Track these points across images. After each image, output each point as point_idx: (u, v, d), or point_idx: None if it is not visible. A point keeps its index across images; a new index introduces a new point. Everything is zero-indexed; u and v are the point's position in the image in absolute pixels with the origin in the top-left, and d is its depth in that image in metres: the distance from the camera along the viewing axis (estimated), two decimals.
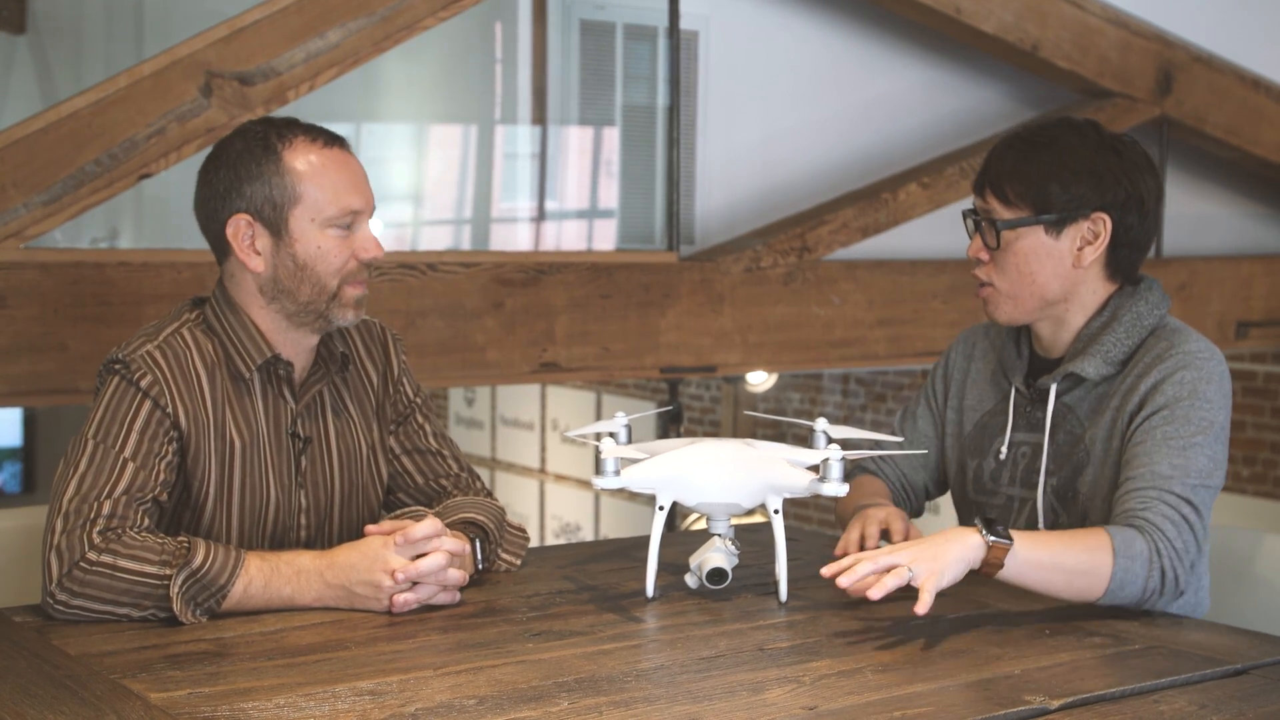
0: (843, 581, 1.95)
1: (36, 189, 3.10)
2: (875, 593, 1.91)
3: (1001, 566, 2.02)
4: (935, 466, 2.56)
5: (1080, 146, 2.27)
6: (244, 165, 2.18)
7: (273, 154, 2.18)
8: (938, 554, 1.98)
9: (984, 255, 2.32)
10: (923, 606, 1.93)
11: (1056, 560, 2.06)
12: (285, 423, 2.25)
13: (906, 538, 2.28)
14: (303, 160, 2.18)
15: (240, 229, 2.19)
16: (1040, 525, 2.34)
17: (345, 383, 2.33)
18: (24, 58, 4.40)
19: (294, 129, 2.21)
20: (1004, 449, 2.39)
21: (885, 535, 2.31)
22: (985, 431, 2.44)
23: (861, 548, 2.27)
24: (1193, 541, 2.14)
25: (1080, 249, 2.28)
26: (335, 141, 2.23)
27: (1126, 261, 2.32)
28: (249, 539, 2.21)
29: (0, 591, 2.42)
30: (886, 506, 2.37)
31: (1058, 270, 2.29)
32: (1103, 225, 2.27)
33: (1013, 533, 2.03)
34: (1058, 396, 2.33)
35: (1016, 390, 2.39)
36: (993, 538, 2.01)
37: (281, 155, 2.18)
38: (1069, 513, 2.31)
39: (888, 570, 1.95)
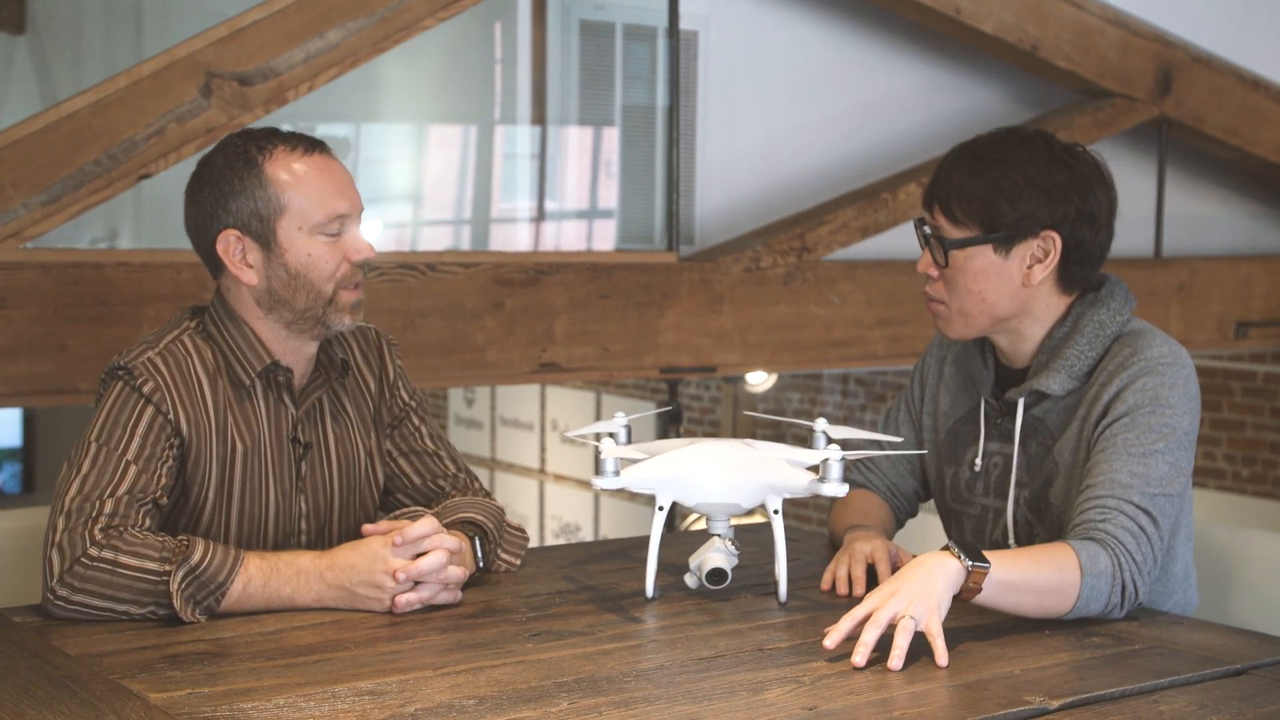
0: (858, 660, 1.86)
1: (36, 189, 3.10)
2: (895, 663, 1.85)
3: (979, 590, 1.97)
4: (922, 472, 2.54)
5: (1029, 162, 2.22)
6: (227, 181, 2.18)
7: (254, 167, 2.17)
8: (929, 590, 1.92)
9: (933, 272, 2.28)
10: (942, 656, 1.87)
11: (1029, 581, 2.01)
12: (286, 428, 2.25)
13: (895, 569, 2.23)
14: (284, 170, 2.18)
15: (230, 245, 2.19)
16: (1011, 537, 2.32)
17: (344, 388, 2.34)
18: (23, 58, 4.40)
19: (273, 139, 2.20)
20: (978, 459, 2.37)
21: (871, 571, 2.26)
22: (959, 439, 2.42)
23: (851, 588, 2.23)
24: (1150, 554, 2.10)
25: (1030, 267, 2.23)
26: (316, 147, 2.22)
27: (1079, 276, 2.27)
28: (249, 544, 2.22)
29: (0, 592, 2.42)
30: (872, 538, 2.32)
31: (1007, 288, 2.25)
32: (1052, 243, 2.22)
33: (987, 554, 1.98)
34: (1026, 409, 2.31)
35: (986, 401, 2.38)
36: (971, 562, 1.95)
37: (263, 167, 2.17)
38: (1044, 524, 2.30)
39: (891, 625, 1.89)
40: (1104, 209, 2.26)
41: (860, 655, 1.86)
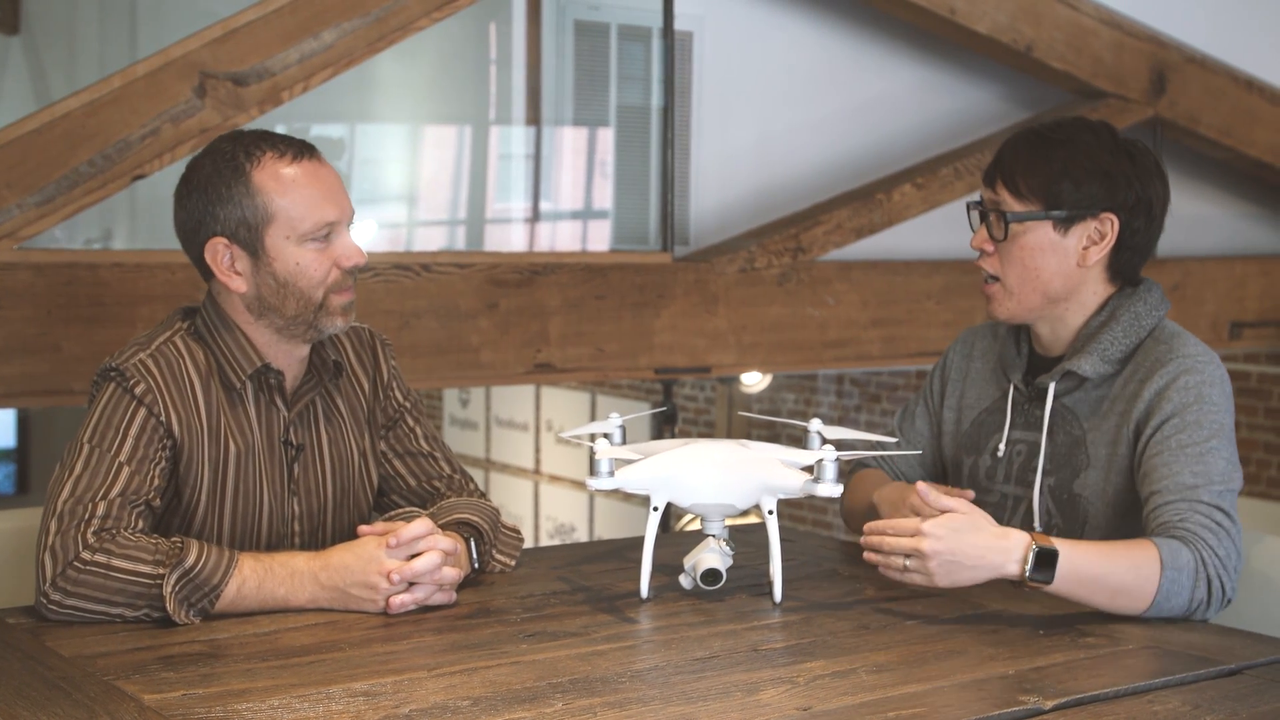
0: (874, 557, 2.07)
1: (30, 190, 3.10)
2: (878, 561, 2.06)
3: (1040, 587, 2.04)
4: (931, 465, 2.56)
5: (1095, 146, 2.29)
6: (214, 188, 2.16)
7: (241, 174, 2.15)
8: (956, 569, 2.02)
9: (988, 246, 2.33)
10: (874, 559, 2.07)
11: (1099, 580, 2.06)
12: (278, 430, 2.25)
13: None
14: (272, 178, 2.16)
15: (218, 252, 2.18)
16: (1036, 525, 2.34)
17: (338, 389, 2.33)
18: (17, 58, 4.39)
19: (262, 144, 2.18)
20: (1001, 446, 2.39)
21: None
22: (983, 429, 2.44)
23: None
24: (1233, 548, 2.14)
25: (1086, 248, 2.29)
26: (305, 152, 2.19)
27: (1128, 265, 2.33)
28: (242, 546, 2.21)
29: None
30: (902, 488, 2.37)
31: (1062, 267, 2.30)
32: (1110, 226, 2.28)
33: (1059, 545, 2.03)
34: (1057, 397, 2.33)
35: (1015, 388, 2.39)
36: (1030, 574, 2.01)
37: (250, 175, 2.15)
38: (1064, 515, 2.31)
39: (908, 554, 2.04)
40: (1160, 201, 2.33)
41: (879, 556, 2.07)
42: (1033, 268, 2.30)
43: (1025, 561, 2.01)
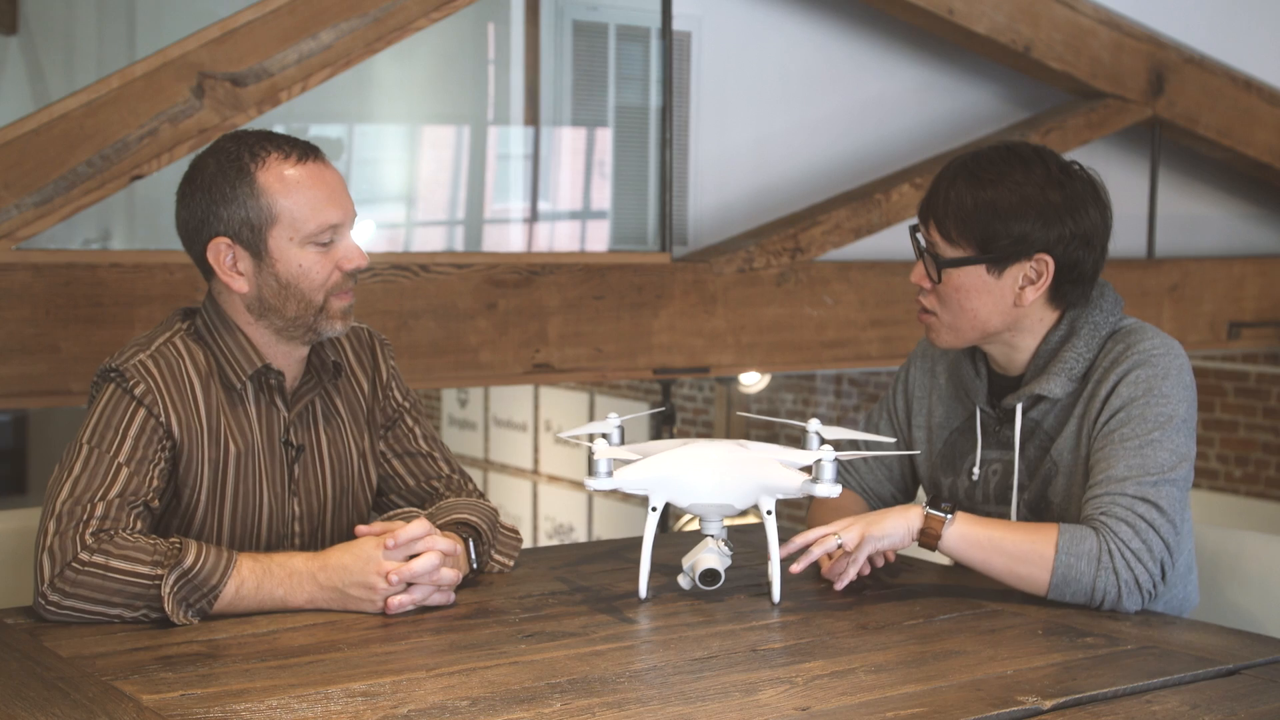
0: (794, 568, 2.14)
1: (28, 190, 3.09)
2: (796, 568, 2.13)
3: (940, 537, 2.14)
4: (900, 478, 2.56)
5: (1025, 184, 2.22)
6: (218, 188, 2.15)
7: (246, 175, 2.15)
8: (871, 520, 2.16)
9: (926, 284, 2.30)
10: (841, 582, 2.19)
11: (995, 543, 2.15)
12: (278, 431, 2.25)
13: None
14: (277, 179, 2.15)
15: (221, 252, 2.17)
16: None
17: (337, 390, 2.33)
18: (15, 58, 4.39)
19: (267, 145, 2.17)
20: (976, 468, 2.38)
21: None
22: (955, 450, 2.43)
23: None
24: (1156, 540, 2.12)
25: (1022, 288, 2.25)
26: (310, 154, 2.19)
27: (1073, 294, 2.29)
28: (241, 546, 2.21)
29: None
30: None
31: (998, 307, 2.27)
32: (1045, 266, 2.24)
33: (958, 513, 2.16)
34: (1024, 413, 2.32)
35: (982, 410, 2.38)
36: (930, 509, 2.15)
37: (255, 175, 2.15)
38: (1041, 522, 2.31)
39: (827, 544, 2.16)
40: (1098, 229, 2.27)
41: (798, 564, 2.14)
42: (969, 309, 2.27)
43: (923, 504, 2.17)
